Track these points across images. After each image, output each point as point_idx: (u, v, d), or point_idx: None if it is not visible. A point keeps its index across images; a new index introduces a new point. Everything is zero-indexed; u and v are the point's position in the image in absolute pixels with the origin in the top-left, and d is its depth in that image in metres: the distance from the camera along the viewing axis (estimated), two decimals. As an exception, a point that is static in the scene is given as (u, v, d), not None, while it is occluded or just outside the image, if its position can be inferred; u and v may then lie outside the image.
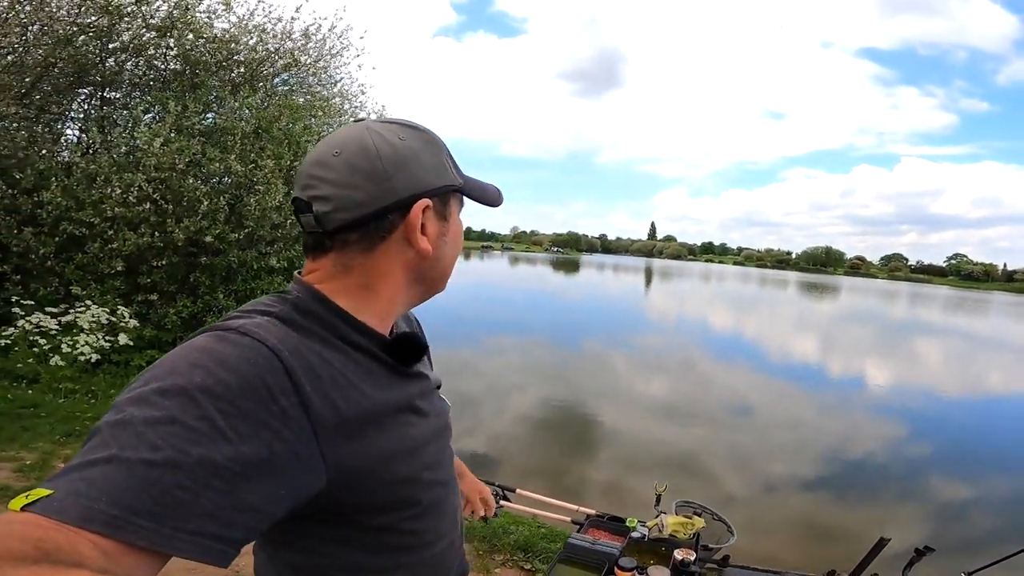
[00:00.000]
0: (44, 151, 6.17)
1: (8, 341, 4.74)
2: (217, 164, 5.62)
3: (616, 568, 1.71)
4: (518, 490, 2.31)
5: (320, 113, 7.02)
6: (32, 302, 4.97)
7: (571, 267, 64.10)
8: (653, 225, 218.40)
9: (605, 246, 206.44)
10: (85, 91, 6.54)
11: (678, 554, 1.81)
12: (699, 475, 5.17)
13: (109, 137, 6.09)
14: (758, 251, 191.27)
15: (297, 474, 0.50)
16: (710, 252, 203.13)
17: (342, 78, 7.44)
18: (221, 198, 5.68)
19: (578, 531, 1.96)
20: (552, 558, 2.51)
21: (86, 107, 6.72)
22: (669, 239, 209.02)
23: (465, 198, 0.69)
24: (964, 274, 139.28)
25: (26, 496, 0.40)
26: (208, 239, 5.41)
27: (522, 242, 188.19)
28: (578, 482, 4.63)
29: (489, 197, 0.71)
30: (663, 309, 24.46)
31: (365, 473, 0.56)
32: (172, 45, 6.11)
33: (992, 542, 4.01)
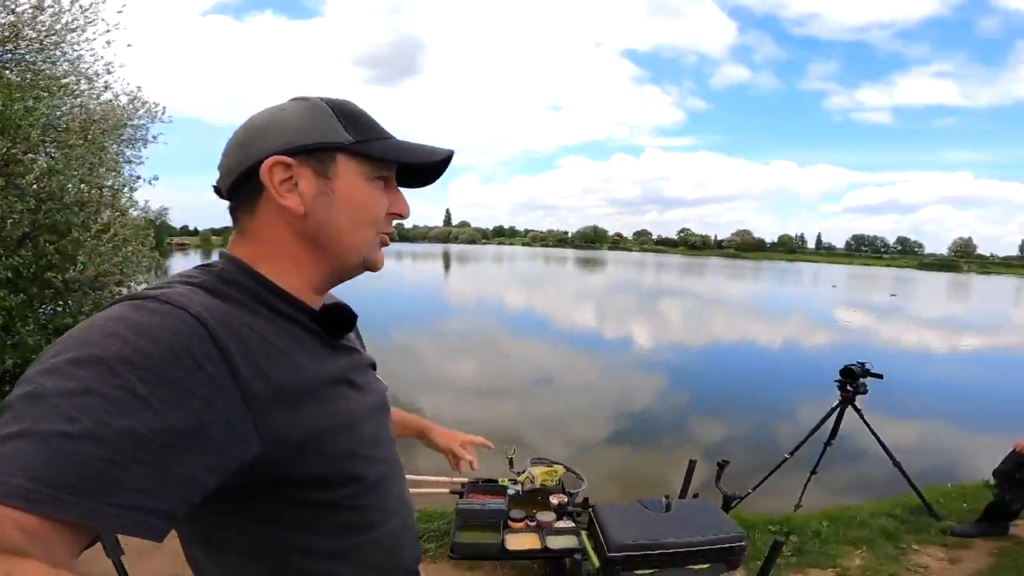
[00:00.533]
0: None
1: None
2: None
3: (509, 521, 1.98)
4: None
5: (45, 94, 5.37)
6: None
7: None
8: (448, 212, 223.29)
9: (403, 235, 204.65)
10: None
11: (553, 499, 2.16)
12: (522, 443, 5.50)
13: None
14: (542, 232, 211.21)
15: (229, 443, 0.49)
16: (501, 235, 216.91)
17: (80, 55, 5.81)
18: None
19: (460, 499, 2.11)
20: (436, 533, 2.81)
21: None
22: (464, 224, 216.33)
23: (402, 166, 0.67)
24: (690, 244, 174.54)
25: None
26: None
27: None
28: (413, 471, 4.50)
29: (410, 155, 0.66)
30: (462, 292, 25.37)
31: (302, 445, 0.55)
32: None
33: (755, 456, 4.93)
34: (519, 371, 9.26)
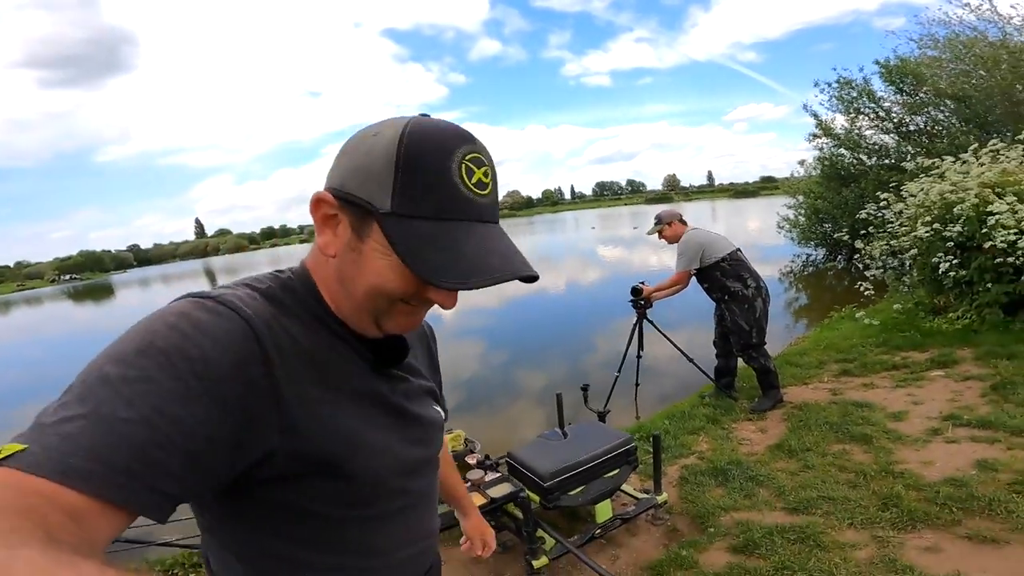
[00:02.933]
0: None
1: None
2: None
3: None
4: None
5: None
6: None
7: (101, 294, 49.74)
8: (198, 221, 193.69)
9: (141, 258, 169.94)
10: None
11: (469, 460, 2.33)
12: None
13: None
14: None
15: (254, 440, 0.51)
16: (273, 236, 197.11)
17: None
18: None
19: None
20: None
21: None
22: (223, 232, 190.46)
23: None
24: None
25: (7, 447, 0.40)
26: None
27: (7, 279, 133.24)
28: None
29: (442, 271, 0.53)
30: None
31: (315, 454, 0.55)
32: None
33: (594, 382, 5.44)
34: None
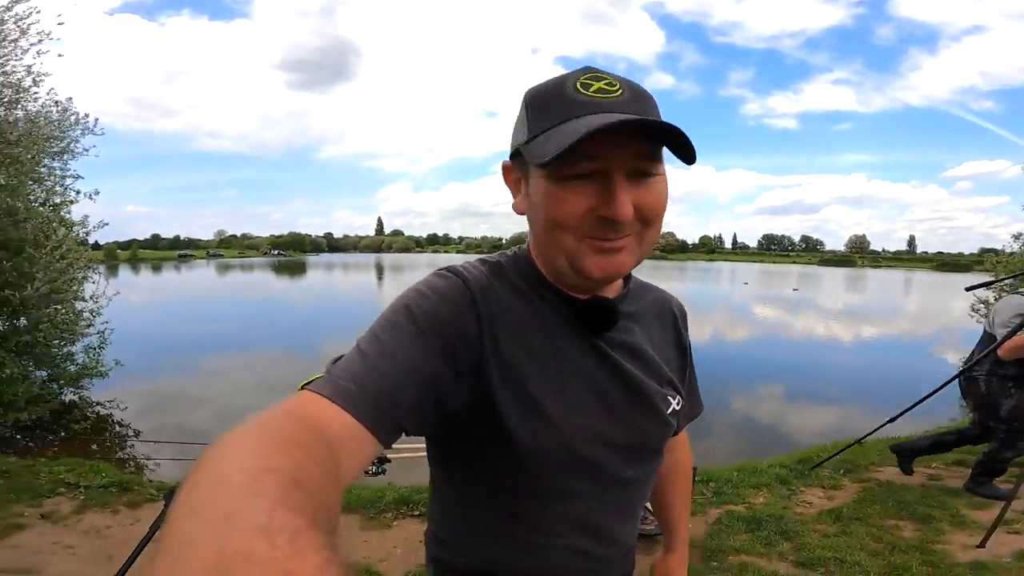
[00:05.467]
0: None
1: None
2: None
3: None
4: (395, 445, 2.97)
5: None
6: None
7: (297, 270, 59.40)
8: (380, 220, 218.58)
9: (332, 245, 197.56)
10: None
11: None
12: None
13: None
14: (476, 239, 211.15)
15: (460, 383, 0.58)
16: (436, 243, 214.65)
17: (13, 68, 5.59)
18: None
19: None
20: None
21: None
22: (397, 233, 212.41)
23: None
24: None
25: (307, 380, 0.60)
26: None
27: (233, 247, 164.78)
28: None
29: (547, 150, 0.54)
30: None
31: (504, 408, 0.60)
32: None
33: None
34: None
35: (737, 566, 2.55)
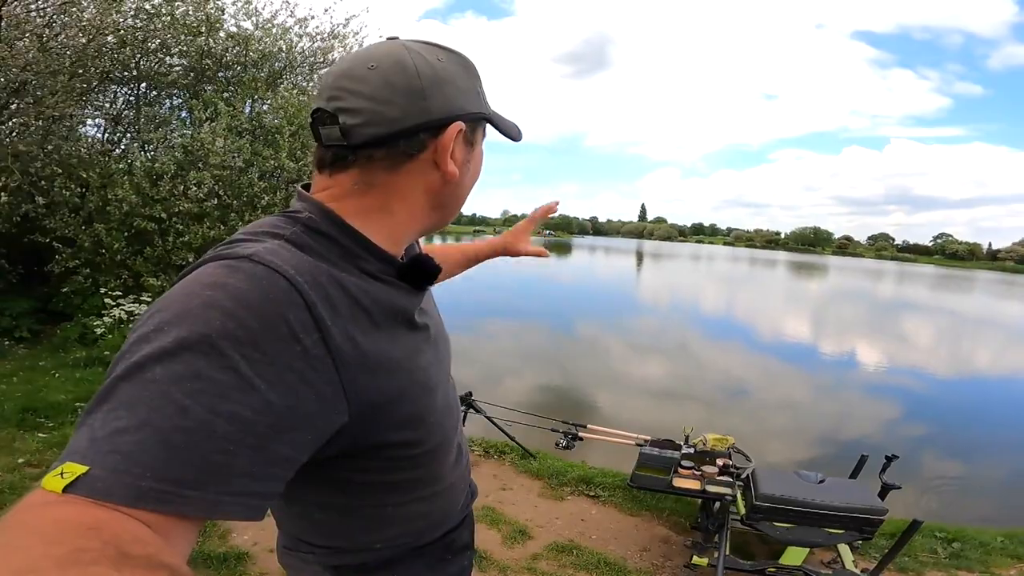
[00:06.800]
0: (115, 152, 6.78)
1: (103, 329, 5.03)
2: (272, 162, 6.06)
3: (679, 468, 2.43)
4: (588, 425, 3.06)
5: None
6: (119, 293, 5.36)
7: (564, 250, 63.64)
8: (643, 207, 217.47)
9: (596, 228, 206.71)
10: (115, 89, 6.90)
11: (719, 461, 2.54)
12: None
13: (144, 135, 6.57)
14: (748, 232, 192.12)
15: (322, 415, 0.48)
16: (700, 233, 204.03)
17: None
18: (277, 193, 6.16)
19: (642, 448, 2.53)
20: (608, 485, 3.24)
21: (118, 104, 7.09)
22: (659, 220, 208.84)
23: (489, 128, 0.67)
24: (949, 253, 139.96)
25: (60, 475, 0.37)
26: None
27: (513, 226, 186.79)
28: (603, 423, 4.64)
29: (511, 131, 0.68)
30: (656, 290, 24.30)
31: (380, 409, 0.54)
32: (204, 45, 6.44)
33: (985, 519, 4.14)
34: (711, 378, 8.63)
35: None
